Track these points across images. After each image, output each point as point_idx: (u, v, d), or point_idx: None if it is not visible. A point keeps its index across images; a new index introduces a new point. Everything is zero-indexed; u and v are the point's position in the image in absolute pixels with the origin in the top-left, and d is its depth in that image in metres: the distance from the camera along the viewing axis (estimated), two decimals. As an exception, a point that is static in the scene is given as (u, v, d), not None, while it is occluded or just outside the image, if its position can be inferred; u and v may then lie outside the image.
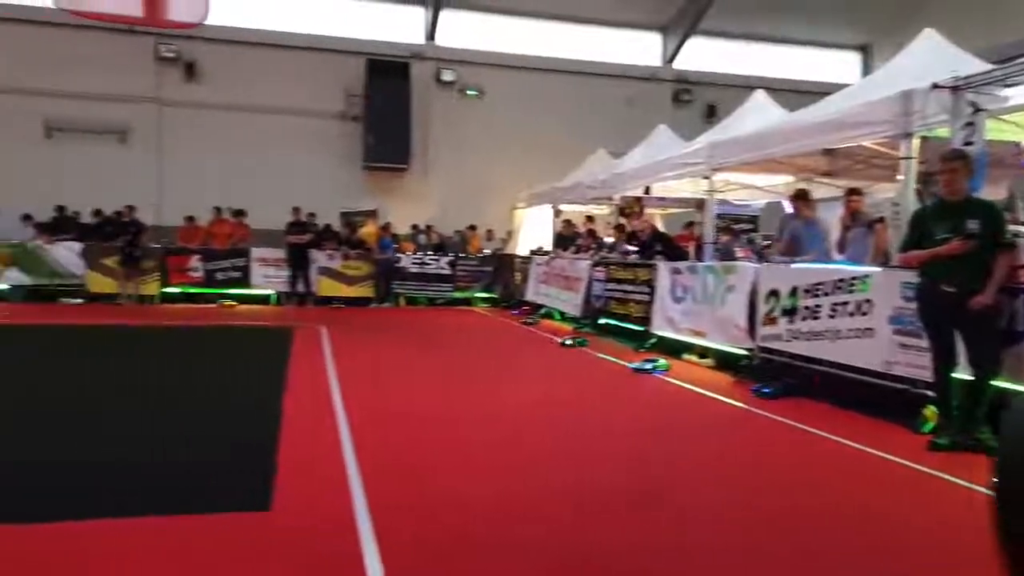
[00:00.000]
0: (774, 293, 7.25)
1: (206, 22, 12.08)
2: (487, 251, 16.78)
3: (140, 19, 11.02)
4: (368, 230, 16.07)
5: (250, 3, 16.37)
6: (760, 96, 10.40)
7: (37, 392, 6.36)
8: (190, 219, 15.25)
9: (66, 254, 14.04)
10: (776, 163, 8.90)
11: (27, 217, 14.64)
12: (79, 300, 13.89)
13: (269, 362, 8.08)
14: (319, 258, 15.04)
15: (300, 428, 5.14)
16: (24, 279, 13.91)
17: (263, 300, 14.95)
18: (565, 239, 14.22)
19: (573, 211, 14.88)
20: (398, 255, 15.62)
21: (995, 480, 1.40)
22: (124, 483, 3.96)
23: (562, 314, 12.76)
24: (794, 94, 13.12)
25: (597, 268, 11.41)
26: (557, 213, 14.85)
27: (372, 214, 16.57)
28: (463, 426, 5.49)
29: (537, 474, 4.36)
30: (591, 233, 13.63)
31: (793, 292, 6.97)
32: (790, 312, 7.00)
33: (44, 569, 2.91)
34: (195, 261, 14.58)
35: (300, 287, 14.75)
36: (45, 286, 13.98)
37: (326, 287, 15.09)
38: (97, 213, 15.08)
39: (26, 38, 15.54)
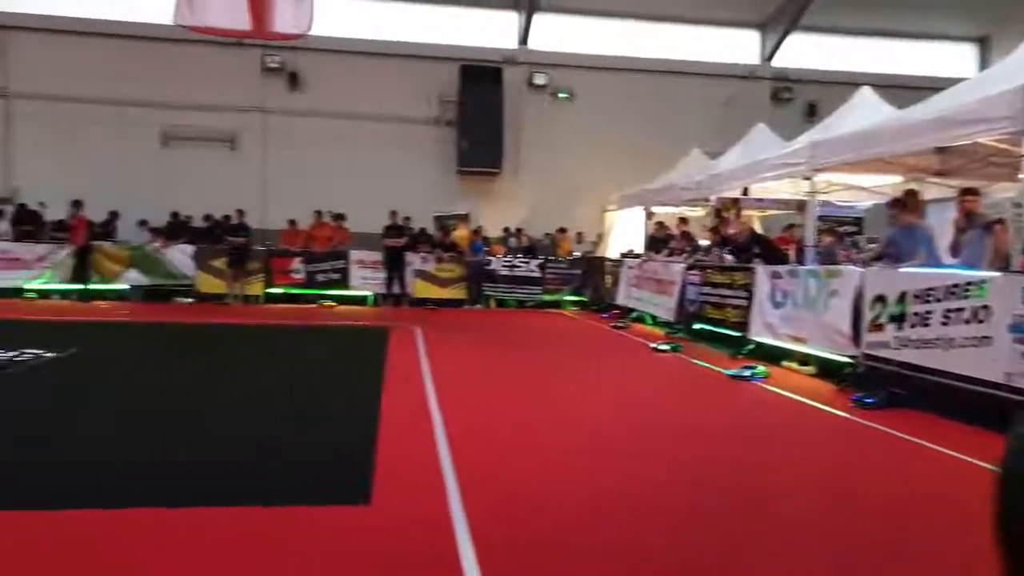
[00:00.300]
0: (881, 299, 6.91)
1: (308, 33, 12.55)
2: (577, 254, 16.74)
3: (249, 32, 11.51)
4: (460, 233, 16.33)
5: (349, 14, 16.89)
6: (866, 92, 9.95)
7: (155, 385, 6.76)
8: (292, 223, 15.89)
9: (179, 256, 14.88)
10: (884, 163, 8.50)
11: (143, 223, 15.62)
12: (190, 299, 14.70)
13: (367, 361, 8.32)
14: (414, 260, 15.39)
15: (397, 426, 5.26)
16: (142, 279, 14.83)
17: (360, 301, 15.42)
18: (658, 242, 14.02)
19: (666, 213, 14.65)
20: (489, 258, 15.78)
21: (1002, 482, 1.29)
22: (235, 474, 4.16)
23: (654, 318, 12.58)
24: (903, 90, 12.47)
25: (692, 271, 11.19)
26: (649, 215, 14.66)
27: (464, 217, 16.82)
28: (556, 429, 5.49)
29: (632, 479, 4.31)
30: (685, 235, 13.38)
31: (902, 298, 6.63)
32: (898, 319, 6.65)
33: (173, 549, 3.10)
34: (297, 263, 15.18)
35: (396, 289, 15.14)
36: (160, 286, 14.86)
37: (420, 289, 15.42)
38: (207, 218, 15.91)
39: (146, 54, 16.57)
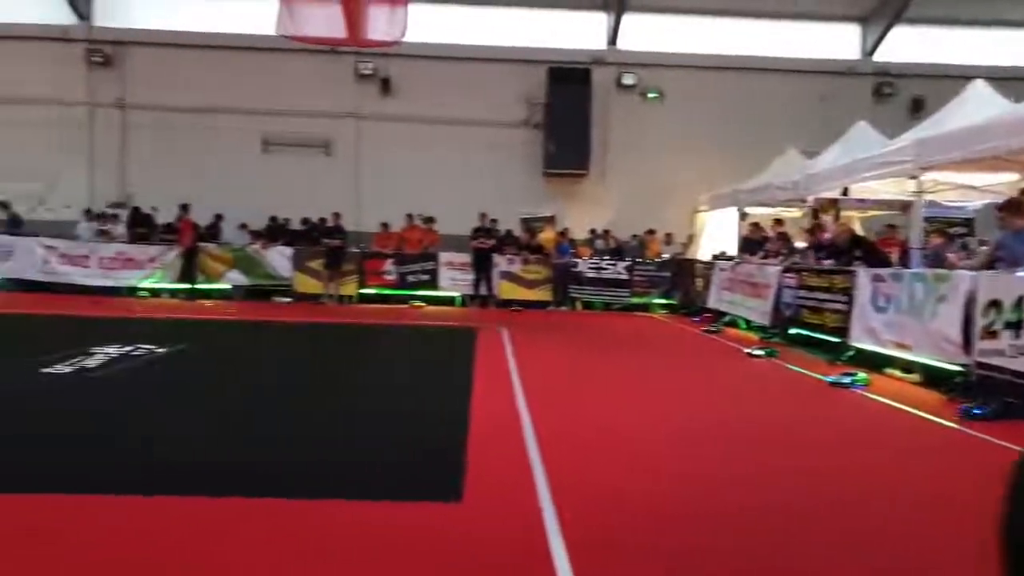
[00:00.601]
0: (995, 304, 6.49)
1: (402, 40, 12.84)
2: (666, 256, 16.47)
3: (344, 41, 11.89)
4: (546, 235, 16.35)
5: (439, 19, 17.18)
6: (979, 86, 9.37)
7: (256, 381, 7.07)
8: (385, 225, 16.29)
9: (278, 258, 15.49)
10: (998, 160, 7.99)
11: (243, 225, 16.36)
12: (288, 299, 15.28)
13: (456, 360, 8.44)
14: (500, 262, 15.51)
15: (486, 425, 5.31)
16: (243, 280, 15.51)
17: (449, 302, 15.66)
18: (752, 243, 13.62)
19: (760, 214, 14.22)
20: (575, 260, 15.73)
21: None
22: (333, 469, 4.29)
23: (747, 323, 12.24)
24: (1020, 83, 11.72)
25: (788, 274, 10.82)
26: (743, 216, 14.27)
27: (550, 219, 16.83)
28: (646, 432, 5.42)
29: (724, 485, 4.21)
30: (782, 237, 12.96)
31: (1019, 304, 6.21)
32: (1015, 326, 6.24)
33: (276, 537, 3.23)
34: (389, 265, 15.55)
35: (483, 290, 15.30)
36: (260, 286, 15.51)
37: (506, 290, 15.53)
38: (305, 221, 16.50)
39: (248, 64, 17.35)
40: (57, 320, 11.24)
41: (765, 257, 12.71)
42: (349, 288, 15.52)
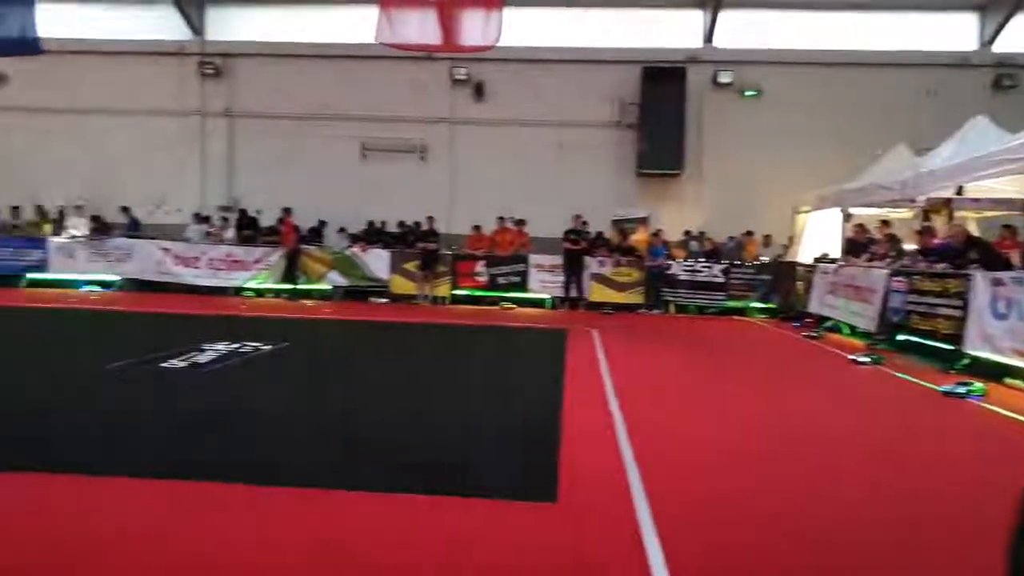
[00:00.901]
0: None
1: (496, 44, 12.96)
2: (764, 258, 15.96)
3: (440, 47, 12.12)
4: (639, 237, 16.15)
5: (531, 23, 17.23)
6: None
7: (356, 377, 7.28)
8: (477, 228, 16.49)
9: (375, 260, 15.92)
10: None
11: (342, 229, 16.91)
12: (384, 300, 15.68)
13: (547, 361, 8.44)
14: (591, 264, 15.43)
15: (579, 426, 5.28)
16: (342, 281, 16.03)
17: (539, 303, 15.69)
18: (857, 245, 13.02)
19: (866, 214, 13.58)
20: (669, 262, 15.46)
21: None
22: (429, 464, 4.37)
23: (852, 328, 11.71)
24: None
25: (896, 278, 10.28)
26: (847, 217, 13.65)
27: (643, 221, 16.61)
28: (744, 438, 5.26)
29: (825, 499, 4.03)
30: (889, 239, 12.34)
31: None
32: None
33: (378, 528, 3.32)
34: (480, 266, 15.73)
35: (573, 292, 15.26)
36: (357, 287, 15.99)
37: (597, 292, 15.43)
38: (400, 224, 16.91)
39: (347, 72, 17.94)
40: (171, 318, 11.92)
41: (871, 260, 12.13)
42: (442, 289, 15.79)
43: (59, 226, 16.73)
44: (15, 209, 17.13)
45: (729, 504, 3.83)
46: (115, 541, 3.14)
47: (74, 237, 16.19)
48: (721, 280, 15.29)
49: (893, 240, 12.25)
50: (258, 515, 3.47)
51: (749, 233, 16.38)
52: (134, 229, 16.85)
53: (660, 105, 17.03)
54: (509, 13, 12.11)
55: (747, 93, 17.63)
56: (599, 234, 16.33)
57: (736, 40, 17.65)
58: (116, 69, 18.02)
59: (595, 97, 17.72)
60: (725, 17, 17.42)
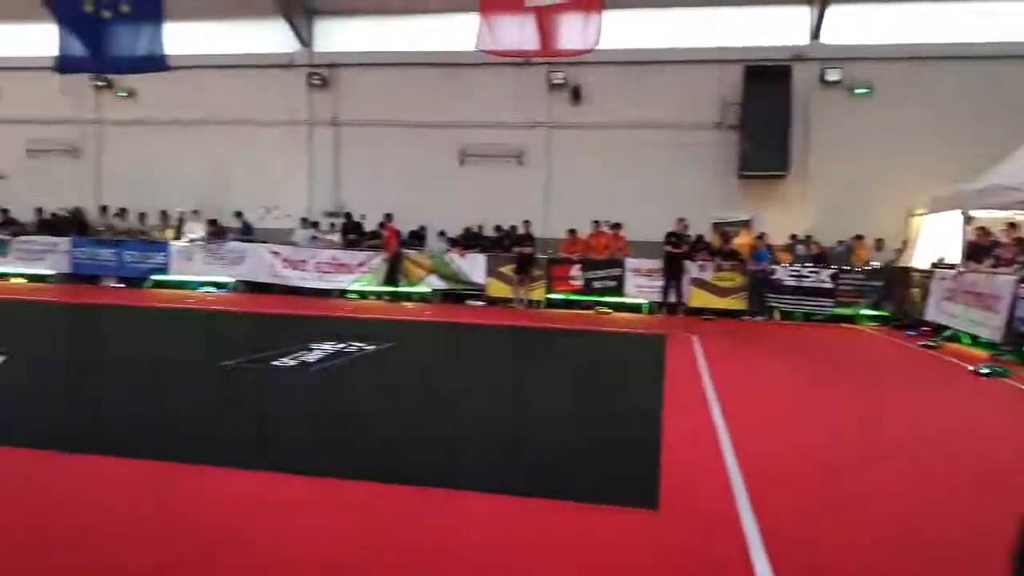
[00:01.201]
0: None
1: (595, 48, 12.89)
2: (876, 263, 15.18)
3: (538, 52, 12.19)
4: (742, 240, 15.70)
5: (629, 25, 17.03)
6: None
7: (457, 377, 7.40)
8: (572, 232, 16.45)
9: (471, 264, 16.15)
10: None
11: (442, 233, 17.24)
12: (481, 303, 15.88)
13: (645, 367, 8.33)
14: (691, 268, 15.11)
15: (680, 433, 5.18)
16: (440, 284, 16.34)
17: (635, 309, 15.50)
18: (979, 250, 12.20)
19: (989, 217, 12.70)
20: (773, 267, 14.94)
21: None
22: (526, 465, 4.39)
23: (973, 338, 10.98)
24: None
25: (1024, 284, 9.58)
26: (968, 220, 12.80)
27: (746, 224, 16.14)
28: (853, 450, 5.02)
29: (939, 510, 3.79)
30: (1017, 242, 11.49)
31: None
32: None
33: (475, 529, 3.36)
34: (575, 270, 15.68)
35: (672, 297, 14.98)
36: (455, 290, 16.26)
37: (697, 298, 15.10)
38: (497, 228, 17.08)
39: (447, 79, 18.28)
40: (281, 318, 12.47)
41: (995, 265, 11.34)
42: (537, 293, 15.84)
43: (179, 231, 17.81)
44: (141, 215, 18.34)
45: (838, 513, 3.67)
46: (231, 533, 3.31)
47: (192, 241, 17.19)
48: (829, 286, 14.65)
49: (1021, 244, 11.41)
50: (363, 512, 3.58)
51: (859, 237, 15.63)
52: (247, 233, 17.74)
53: (764, 105, 16.50)
54: (607, 15, 12.06)
55: (857, 91, 16.85)
56: (699, 237, 15.99)
57: (845, 36, 16.90)
58: (231, 82, 19.02)
59: (695, 98, 17.36)
60: (833, 12, 16.72)
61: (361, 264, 16.45)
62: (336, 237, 17.34)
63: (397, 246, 16.23)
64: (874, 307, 14.64)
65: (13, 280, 17.36)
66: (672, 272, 14.94)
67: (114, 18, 13.42)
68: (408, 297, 16.20)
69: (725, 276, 15.07)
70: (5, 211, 18.65)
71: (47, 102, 19.45)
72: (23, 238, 17.59)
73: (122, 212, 18.39)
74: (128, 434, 4.79)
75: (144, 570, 2.86)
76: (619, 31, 16.20)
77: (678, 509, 3.69)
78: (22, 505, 3.53)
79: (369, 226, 17.35)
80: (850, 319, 14.62)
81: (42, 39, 17.70)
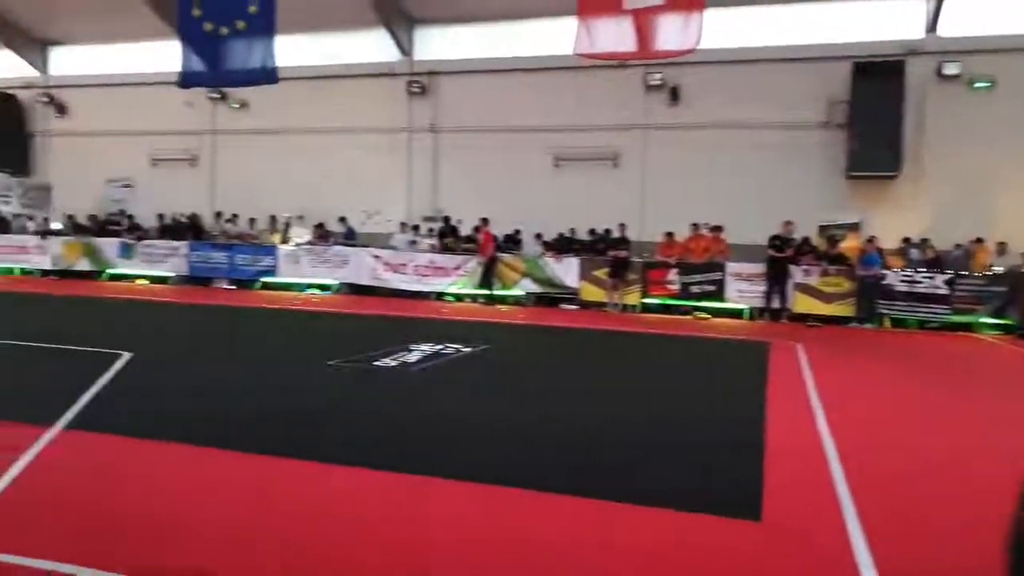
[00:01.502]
0: None
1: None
2: (998, 268, 14.21)
3: (634, 54, 12.06)
4: (850, 244, 15.03)
5: (729, 23, 16.63)
6: None
7: (551, 378, 7.42)
8: (670, 235, 16.17)
9: (564, 267, 16.13)
10: None
11: (538, 236, 17.30)
12: (574, 306, 15.84)
13: (747, 375, 8.11)
14: (795, 273, 14.58)
15: (783, 443, 5.02)
16: (534, 287, 16.40)
17: (735, 314, 15.08)
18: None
19: None
20: (884, 271, 14.22)
21: None
22: (624, 471, 4.36)
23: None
24: None
25: None
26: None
27: (854, 227, 15.44)
28: (971, 467, 4.72)
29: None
30: None
31: None
32: None
33: (570, 531, 3.36)
34: (672, 274, 15.40)
35: (775, 302, 14.49)
36: (548, 293, 16.28)
37: (801, 303, 14.54)
38: (591, 232, 16.99)
39: (541, 83, 18.35)
40: (382, 320, 12.85)
41: None
42: (632, 297, 15.65)
43: (286, 235, 18.61)
44: (251, 220, 19.28)
45: (953, 534, 3.46)
46: (322, 519, 3.43)
47: (299, 245, 17.94)
48: (945, 292, 13.80)
49: None
50: (458, 510, 3.64)
51: (979, 240, 14.68)
52: (350, 238, 18.35)
53: (873, 102, 15.75)
54: (708, 14, 11.80)
55: (977, 85, 15.84)
56: (804, 240, 15.40)
57: (964, 28, 15.92)
58: (334, 91, 19.73)
59: (799, 97, 16.75)
60: (951, 3, 15.79)
61: (457, 267, 16.72)
62: (433, 241, 17.70)
63: (492, 250, 16.41)
64: (996, 315, 13.69)
65: (138, 282, 18.60)
66: (775, 276, 14.46)
67: (231, 35, 14.20)
68: (502, 300, 16.35)
69: (832, 281, 14.45)
70: (130, 217, 20.01)
71: (168, 115, 20.78)
72: (146, 242, 18.82)
73: (234, 217, 19.39)
74: (247, 429, 5.05)
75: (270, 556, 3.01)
76: (719, 29, 15.81)
77: (781, 521, 3.58)
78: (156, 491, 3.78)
79: (465, 230, 17.62)
80: (968, 327, 13.74)
81: (163, 57, 18.98)
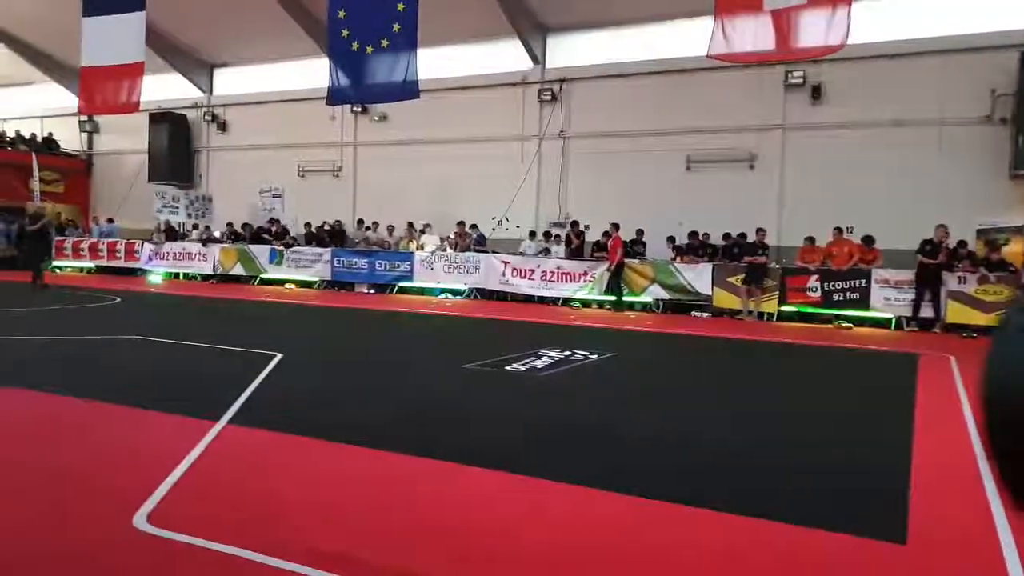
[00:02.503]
0: None
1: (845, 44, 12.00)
2: None
3: (774, 55, 11.66)
4: (1013, 248, 13.82)
5: (877, 16, 15.74)
6: None
7: (683, 390, 7.33)
8: (810, 240, 15.47)
9: (697, 273, 15.78)
10: None
11: (670, 239, 16.98)
12: (706, 314, 15.47)
13: (894, 388, 7.68)
14: (949, 280, 13.58)
15: (933, 464, 4.74)
16: (663, 294, 16.15)
17: (881, 324, 14.22)
18: None
19: None
20: (1054, 279, 12.98)
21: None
22: (762, 485, 4.26)
23: None
24: None
25: None
26: None
27: (1020, 230, 14.17)
28: None
29: None
30: None
31: None
32: None
33: (701, 545, 3.35)
34: (813, 281, 14.73)
35: (927, 312, 13.54)
36: (679, 300, 15.98)
37: (955, 313, 13.52)
38: (726, 236, 16.50)
39: (673, 86, 18.07)
40: (511, 324, 13.11)
41: None
42: (769, 305, 15.09)
43: (420, 242, 19.33)
44: (390, 228, 20.17)
45: None
46: (457, 520, 3.58)
47: (435, 251, 18.59)
48: None
49: None
50: (588, 520, 3.70)
51: None
52: (480, 244, 18.82)
53: (1044, 94, 14.39)
54: (856, 7, 11.23)
55: None
56: (960, 244, 14.30)
57: None
58: (468, 101, 20.29)
59: (957, 90, 15.56)
60: None
61: (585, 273, 16.76)
62: (561, 247, 17.83)
63: (621, 256, 16.31)
64: None
65: (287, 286, 19.92)
66: (926, 284, 13.53)
67: (375, 52, 14.99)
68: (631, 307, 16.22)
69: (991, 289, 13.35)
70: (283, 225, 21.44)
71: (315, 129, 22.13)
72: (294, 249, 20.12)
73: (374, 225, 20.35)
74: (386, 428, 5.35)
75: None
76: (865, 22, 15.01)
77: (929, 544, 3.40)
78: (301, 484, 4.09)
79: (592, 235, 17.61)
80: None
81: (311, 75, 20.25)
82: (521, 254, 17.93)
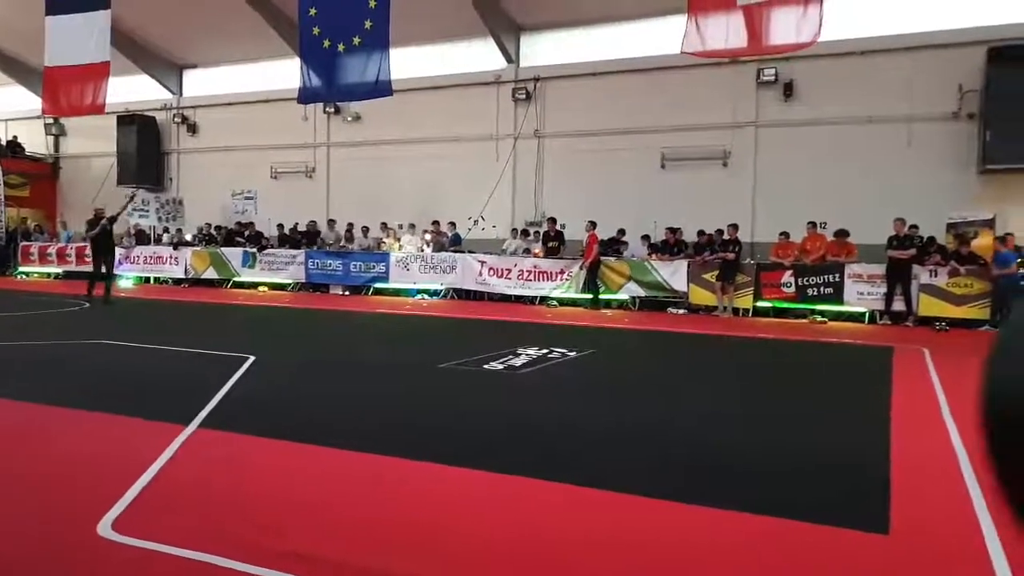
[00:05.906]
0: None
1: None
2: None
3: (745, 51, 11.72)
4: (982, 242, 14.01)
5: (847, 13, 15.88)
6: None
7: (660, 386, 7.31)
8: (784, 235, 15.57)
9: (671, 270, 15.81)
10: None
11: (645, 237, 17.04)
12: (682, 310, 15.51)
13: (869, 381, 7.73)
14: (920, 274, 13.74)
15: (911, 455, 4.75)
16: (639, 291, 16.17)
17: (855, 318, 14.35)
18: None
19: None
20: (1021, 271, 13.17)
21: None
22: (740, 478, 4.23)
23: None
24: None
25: None
26: None
27: (988, 224, 14.37)
28: None
29: None
30: None
31: None
32: None
33: (684, 540, 3.30)
34: (787, 276, 14.82)
35: (899, 305, 13.69)
36: (655, 297, 16.01)
37: (927, 306, 13.69)
38: (700, 233, 16.51)
39: (650, 82, 18.09)
40: (488, 324, 13.02)
41: None
42: (744, 301, 15.17)
43: (397, 242, 19.18)
44: (365, 229, 19.98)
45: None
46: (430, 520, 3.51)
47: (420, 250, 18.45)
48: (1095, 293, 12.65)
49: None
50: (569, 516, 3.64)
51: None
52: (456, 244, 18.71)
53: (1011, 89, 14.59)
54: (827, 4, 11.30)
55: None
56: (929, 239, 14.48)
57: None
58: (442, 101, 20.17)
59: (925, 87, 15.76)
60: (1101, -24, 14.47)
61: (561, 272, 16.73)
62: (537, 246, 17.77)
63: (597, 254, 16.29)
64: None
65: (260, 289, 19.65)
66: (897, 277, 13.68)
67: (347, 50, 14.84)
68: (607, 305, 16.20)
69: (962, 281, 13.53)
70: (257, 231, 21.12)
71: (287, 130, 21.86)
72: (267, 251, 19.85)
73: (350, 227, 20.15)
74: (362, 428, 5.24)
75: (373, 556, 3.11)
76: (835, 19, 15.14)
77: (912, 537, 3.38)
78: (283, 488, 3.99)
79: (569, 234, 17.58)
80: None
81: (283, 75, 20.02)
82: (503, 252, 17.84)
